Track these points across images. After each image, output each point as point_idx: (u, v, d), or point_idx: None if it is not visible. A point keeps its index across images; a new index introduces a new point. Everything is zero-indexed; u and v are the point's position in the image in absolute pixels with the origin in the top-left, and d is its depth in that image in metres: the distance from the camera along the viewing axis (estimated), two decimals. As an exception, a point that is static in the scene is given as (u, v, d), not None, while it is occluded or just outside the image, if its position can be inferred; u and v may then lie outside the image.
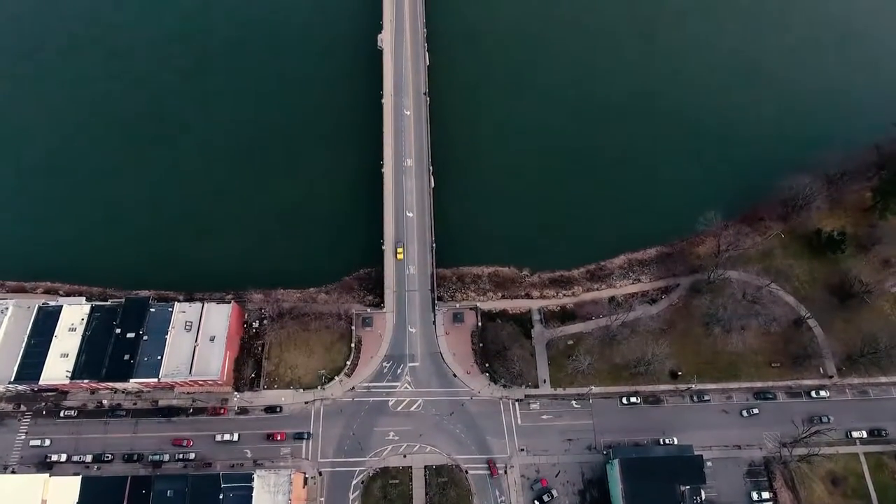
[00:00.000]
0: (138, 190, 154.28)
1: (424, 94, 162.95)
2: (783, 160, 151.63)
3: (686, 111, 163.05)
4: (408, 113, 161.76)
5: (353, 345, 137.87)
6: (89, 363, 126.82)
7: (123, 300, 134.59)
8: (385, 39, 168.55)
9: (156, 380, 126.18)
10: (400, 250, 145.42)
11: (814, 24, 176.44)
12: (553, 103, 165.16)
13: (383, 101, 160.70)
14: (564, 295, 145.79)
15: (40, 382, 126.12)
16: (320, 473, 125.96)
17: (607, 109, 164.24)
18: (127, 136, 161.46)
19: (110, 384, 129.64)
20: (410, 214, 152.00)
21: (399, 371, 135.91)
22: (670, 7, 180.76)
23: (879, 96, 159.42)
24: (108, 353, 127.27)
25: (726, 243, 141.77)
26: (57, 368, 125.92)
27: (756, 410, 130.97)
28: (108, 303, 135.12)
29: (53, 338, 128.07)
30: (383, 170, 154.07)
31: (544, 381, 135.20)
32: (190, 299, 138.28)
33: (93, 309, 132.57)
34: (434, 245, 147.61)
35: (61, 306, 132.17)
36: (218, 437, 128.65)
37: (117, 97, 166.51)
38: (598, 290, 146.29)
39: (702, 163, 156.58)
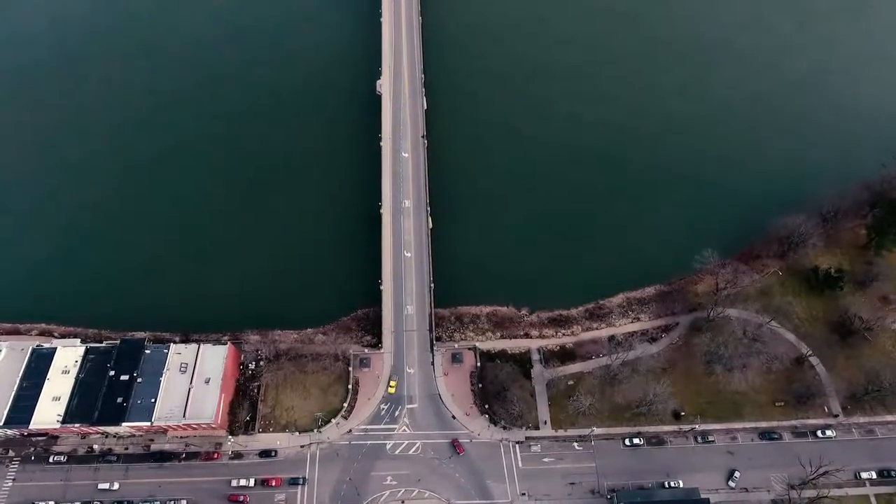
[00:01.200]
0: (136, 231, 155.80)
1: (422, 136, 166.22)
2: (777, 199, 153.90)
3: (681, 151, 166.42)
4: (406, 155, 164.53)
5: (350, 386, 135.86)
6: (81, 406, 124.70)
7: (119, 342, 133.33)
8: (384, 85, 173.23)
9: (149, 423, 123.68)
10: (393, 384, 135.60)
11: (804, 67, 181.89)
12: (549, 145, 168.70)
13: (382, 143, 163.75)
14: (564, 334, 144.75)
15: (30, 427, 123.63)
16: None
17: (603, 150, 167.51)
18: (125, 178, 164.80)
19: (102, 428, 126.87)
20: (409, 255, 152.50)
21: (397, 413, 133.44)
22: (665, 51, 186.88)
23: (867, 137, 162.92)
24: (101, 395, 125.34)
25: (724, 281, 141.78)
26: (48, 412, 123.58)
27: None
28: (103, 344, 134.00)
29: (46, 381, 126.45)
30: (381, 211, 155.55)
31: (545, 423, 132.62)
32: (186, 340, 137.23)
33: (87, 351, 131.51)
34: (432, 285, 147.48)
35: (55, 348, 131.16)
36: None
37: (116, 140, 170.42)
38: (597, 329, 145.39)
39: (697, 202, 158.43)
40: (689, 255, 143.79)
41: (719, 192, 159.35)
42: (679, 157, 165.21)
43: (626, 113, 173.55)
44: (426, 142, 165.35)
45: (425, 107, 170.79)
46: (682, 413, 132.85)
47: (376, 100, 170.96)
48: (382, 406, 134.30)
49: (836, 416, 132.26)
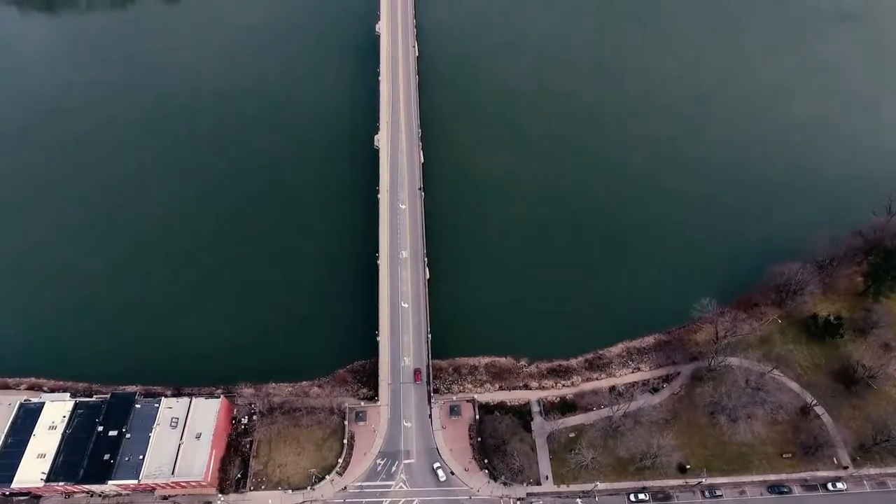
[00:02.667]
0: (129, 283, 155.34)
1: (419, 189, 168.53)
2: (771, 247, 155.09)
3: (675, 201, 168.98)
4: (403, 207, 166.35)
5: (345, 441, 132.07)
6: (67, 464, 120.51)
7: (109, 396, 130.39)
8: (382, 139, 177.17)
9: (136, 481, 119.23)
10: None
11: (794, 118, 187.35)
12: (545, 195, 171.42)
13: (379, 195, 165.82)
14: (564, 385, 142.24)
15: (13, 486, 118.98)
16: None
17: (598, 201, 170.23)
18: (117, 229, 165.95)
19: (87, 487, 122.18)
20: (406, 305, 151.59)
21: (394, 469, 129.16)
22: (661, 102, 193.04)
23: (857, 186, 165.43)
24: (88, 452, 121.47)
25: (724, 329, 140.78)
26: (32, 470, 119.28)
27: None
28: (93, 399, 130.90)
29: (32, 437, 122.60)
30: (379, 261, 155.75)
31: (546, 478, 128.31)
32: (178, 394, 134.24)
33: (76, 406, 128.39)
34: (429, 336, 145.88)
35: (43, 403, 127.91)
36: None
37: (108, 191, 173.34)
38: (597, 379, 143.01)
39: (692, 250, 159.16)
40: (686, 304, 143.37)
41: (714, 240, 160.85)
42: (673, 206, 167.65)
43: (623, 163, 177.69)
44: (423, 194, 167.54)
45: (422, 160, 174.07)
46: (688, 466, 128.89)
47: (374, 153, 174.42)
48: (379, 461, 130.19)
49: (846, 467, 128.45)
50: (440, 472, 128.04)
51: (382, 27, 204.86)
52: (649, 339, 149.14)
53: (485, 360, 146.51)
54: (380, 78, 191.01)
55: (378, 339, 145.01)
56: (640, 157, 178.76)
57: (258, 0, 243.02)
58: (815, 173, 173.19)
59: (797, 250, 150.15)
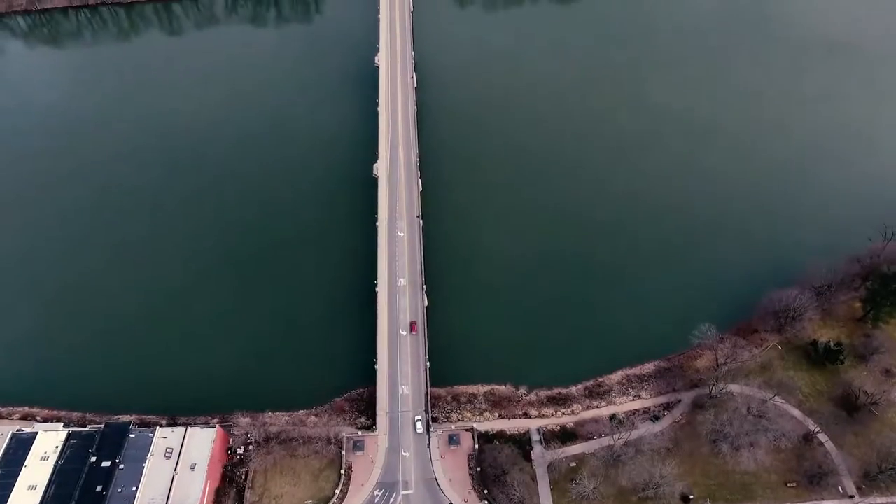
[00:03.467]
0: (124, 311, 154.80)
1: (418, 216, 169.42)
2: (769, 273, 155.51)
3: (673, 228, 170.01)
4: (401, 234, 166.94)
5: (342, 471, 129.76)
6: (58, 496, 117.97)
7: (103, 426, 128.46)
8: (380, 168, 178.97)
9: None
10: None
11: (790, 147, 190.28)
12: (543, 222, 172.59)
13: (378, 223, 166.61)
14: (564, 413, 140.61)
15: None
16: None
17: (598, 227, 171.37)
18: (111, 256, 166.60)
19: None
20: (404, 333, 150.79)
21: (392, 500, 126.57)
22: (658, 133, 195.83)
23: (852, 212, 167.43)
24: (80, 484, 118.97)
25: (724, 356, 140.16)
26: (23, 502, 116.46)
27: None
28: (87, 429, 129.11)
29: (23, 468, 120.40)
30: (377, 289, 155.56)
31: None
32: (173, 424, 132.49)
33: (69, 436, 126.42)
34: (428, 364, 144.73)
35: (36, 433, 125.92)
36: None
37: (101, 217, 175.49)
38: (598, 407, 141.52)
39: (691, 277, 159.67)
40: (686, 331, 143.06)
41: (712, 266, 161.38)
42: (671, 234, 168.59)
43: (621, 191, 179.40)
44: (421, 222, 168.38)
45: (420, 188, 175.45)
46: (691, 496, 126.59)
47: (373, 182, 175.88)
48: (377, 492, 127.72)
49: (852, 496, 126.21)
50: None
51: (382, 59, 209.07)
52: (649, 367, 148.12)
53: (484, 388, 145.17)
54: (379, 108, 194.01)
55: (376, 367, 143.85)
56: (638, 186, 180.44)
57: (260, 32, 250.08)
58: (810, 200, 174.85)
59: (795, 276, 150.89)
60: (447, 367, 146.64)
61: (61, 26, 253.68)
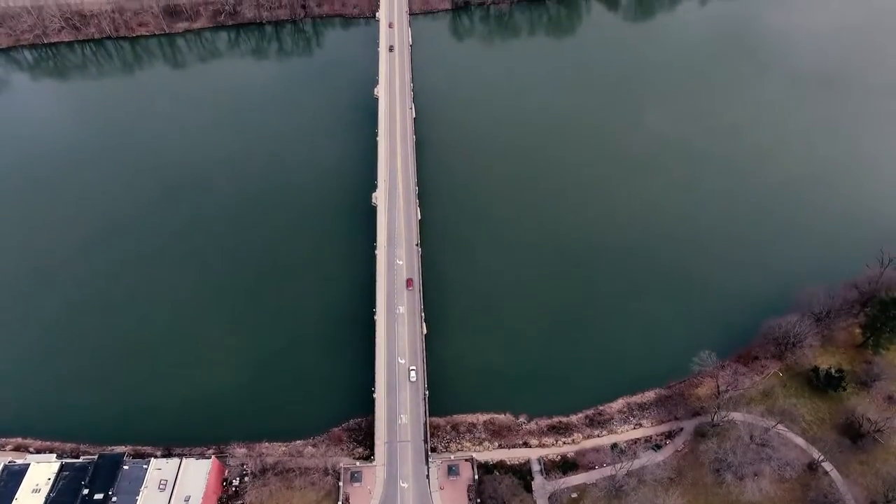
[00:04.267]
0: (117, 339, 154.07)
1: (416, 245, 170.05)
2: (768, 300, 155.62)
3: (672, 254, 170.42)
4: (400, 262, 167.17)
5: (339, 503, 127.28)
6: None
7: (96, 457, 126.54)
8: (379, 197, 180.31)
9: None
10: None
11: (784, 174, 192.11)
12: (543, 251, 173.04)
13: (377, 251, 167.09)
14: (564, 442, 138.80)
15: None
16: None
17: (596, 255, 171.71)
18: (105, 283, 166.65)
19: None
20: (402, 361, 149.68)
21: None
22: (654, 160, 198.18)
23: (849, 238, 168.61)
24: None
25: (725, 384, 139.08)
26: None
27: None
28: (80, 460, 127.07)
29: (14, 500, 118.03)
30: (376, 317, 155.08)
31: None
32: (168, 454, 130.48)
33: (62, 468, 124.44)
34: (427, 393, 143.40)
35: (28, 465, 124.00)
36: None
37: (96, 243, 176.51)
38: (598, 436, 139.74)
39: (689, 304, 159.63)
40: (686, 358, 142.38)
41: (711, 293, 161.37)
42: (669, 261, 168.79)
43: (619, 220, 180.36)
44: (420, 250, 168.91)
45: (419, 216, 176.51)
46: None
47: (372, 210, 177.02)
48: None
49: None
50: None
51: (381, 91, 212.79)
52: (650, 395, 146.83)
53: (483, 417, 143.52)
54: (378, 138, 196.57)
55: (374, 395, 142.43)
56: (636, 214, 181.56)
57: (262, 64, 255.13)
58: (806, 227, 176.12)
59: (793, 303, 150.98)
60: (446, 395, 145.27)
61: (67, 59, 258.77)
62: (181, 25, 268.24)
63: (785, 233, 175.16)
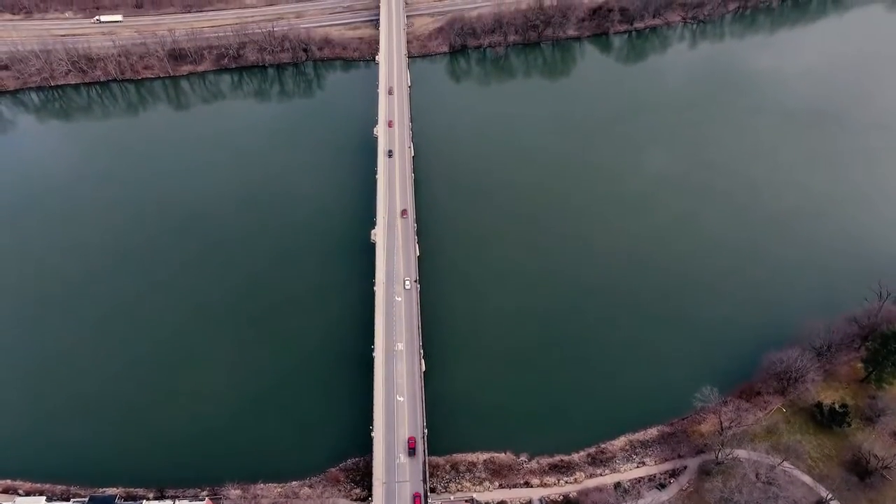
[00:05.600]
0: (108, 378, 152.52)
1: (415, 281, 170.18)
2: (768, 335, 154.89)
3: (670, 289, 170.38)
4: (399, 299, 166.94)
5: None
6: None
7: (87, 499, 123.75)
8: (378, 234, 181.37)
9: None
10: None
11: (780, 208, 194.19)
12: (541, 287, 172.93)
13: (375, 288, 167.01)
14: (566, 482, 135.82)
15: None
16: None
17: (595, 291, 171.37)
18: (98, 321, 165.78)
19: None
20: (401, 399, 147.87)
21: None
22: (652, 190, 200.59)
23: (847, 272, 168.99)
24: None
25: (728, 420, 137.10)
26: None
27: None
28: (70, 503, 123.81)
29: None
30: (374, 354, 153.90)
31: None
32: (161, 497, 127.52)
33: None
34: (426, 431, 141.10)
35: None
36: None
37: (89, 282, 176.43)
38: (601, 475, 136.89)
39: (690, 339, 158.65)
40: (687, 394, 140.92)
41: (710, 328, 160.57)
42: (669, 296, 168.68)
43: (616, 254, 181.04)
44: (419, 286, 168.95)
45: (418, 253, 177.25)
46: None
47: (371, 247, 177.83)
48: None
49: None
50: None
51: (380, 130, 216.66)
52: (652, 432, 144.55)
53: (483, 455, 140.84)
54: (377, 176, 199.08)
55: (373, 434, 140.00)
56: (634, 249, 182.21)
57: (264, 105, 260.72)
58: (802, 261, 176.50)
59: (793, 337, 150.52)
60: (445, 434, 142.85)
61: (73, 101, 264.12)
62: (185, 68, 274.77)
63: (782, 267, 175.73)
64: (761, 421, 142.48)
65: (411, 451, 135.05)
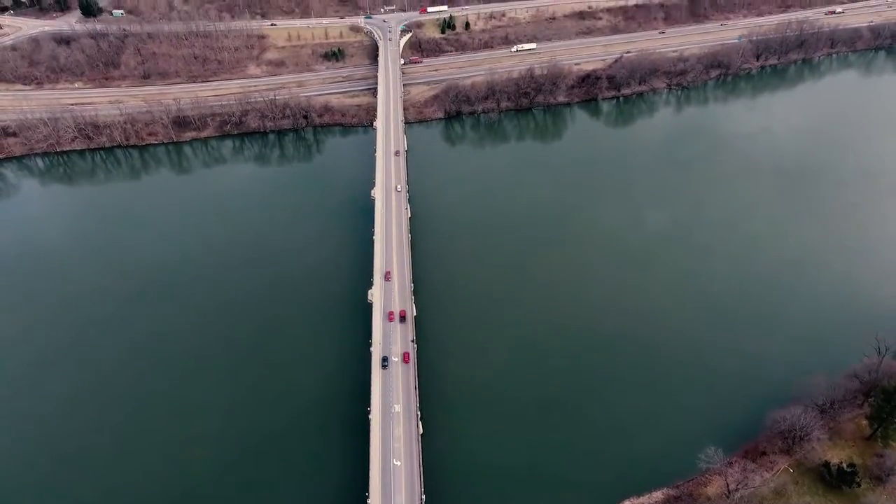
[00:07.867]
0: (100, 433, 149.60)
1: (412, 341, 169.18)
2: (769, 392, 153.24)
3: (669, 346, 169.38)
4: (395, 360, 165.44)
5: None
6: None
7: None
8: (375, 294, 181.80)
9: None
10: None
11: (779, 262, 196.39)
12: (541, 344, 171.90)
13: (372, 349, 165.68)
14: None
15: None
16: None
17: (594, 349, 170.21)
18: (92, 372, 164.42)
19: None
20: (398, 463, 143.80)
21: None
22: (649, 246, 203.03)
23: (846, 328, 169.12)
24: None
25: (734, 482, 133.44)
26: None
27: None
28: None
29: None
30: (370, 416, 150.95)
31: None
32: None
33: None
34: (423, 496, 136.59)
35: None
36: None
37: (83, 335, 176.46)
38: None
39: (692, 398, 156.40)
40: (691, 455, 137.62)
41: (711, 386, 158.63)
42: (669, 355, 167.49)
43: (614, 311, 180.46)
44: (416, 346, 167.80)
45: (415, 313, 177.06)
46: None
47: (368, 307, 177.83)
48: None
49: None
50: None
51: (377, 192, 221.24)
52: (657, 495, 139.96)
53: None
54: (374, 237, 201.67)
55: (368, 501, 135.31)
56: (632, 306, 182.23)
57: (264, 169, 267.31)
58: (800, 316, 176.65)
59: (795, 394, 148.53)
60: (444, 499, 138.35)
61: (77, 166, 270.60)
62: (189, 134, 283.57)
63: (780, 322, 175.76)
64: (769, 482, 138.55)
65: None
